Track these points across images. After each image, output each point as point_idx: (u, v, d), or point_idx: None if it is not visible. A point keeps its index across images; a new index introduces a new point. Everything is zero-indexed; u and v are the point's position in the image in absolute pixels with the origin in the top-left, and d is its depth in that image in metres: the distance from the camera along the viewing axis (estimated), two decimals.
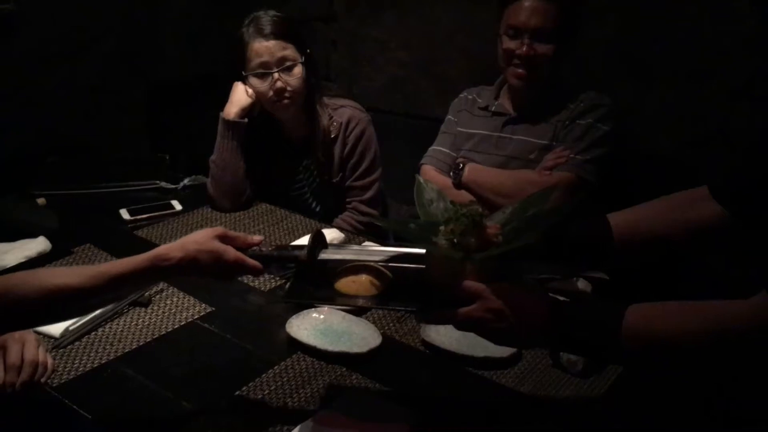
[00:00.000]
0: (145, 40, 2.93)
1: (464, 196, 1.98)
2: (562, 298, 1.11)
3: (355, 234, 1.95)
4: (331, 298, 1.18)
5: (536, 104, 1.97)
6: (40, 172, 2.20)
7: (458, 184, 2.00)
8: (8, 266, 1.63)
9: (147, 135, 3.00)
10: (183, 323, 1.47)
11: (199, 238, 1.14)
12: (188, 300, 1.55)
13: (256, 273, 1.18)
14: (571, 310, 1.04)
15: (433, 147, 2.14)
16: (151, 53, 2.96)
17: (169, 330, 1.44)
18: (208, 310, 1.51)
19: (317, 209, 2.12)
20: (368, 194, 2.09)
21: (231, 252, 1.14)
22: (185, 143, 2.55)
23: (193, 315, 1.50)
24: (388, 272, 1.16)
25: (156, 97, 2.95)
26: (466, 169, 1.99)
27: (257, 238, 1.21)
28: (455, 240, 1.02)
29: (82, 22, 2.71)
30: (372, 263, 1.18)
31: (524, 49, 1.85)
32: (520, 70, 1.90)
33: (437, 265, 1.07)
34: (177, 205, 2.04)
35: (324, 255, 1.24)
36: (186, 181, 2.20)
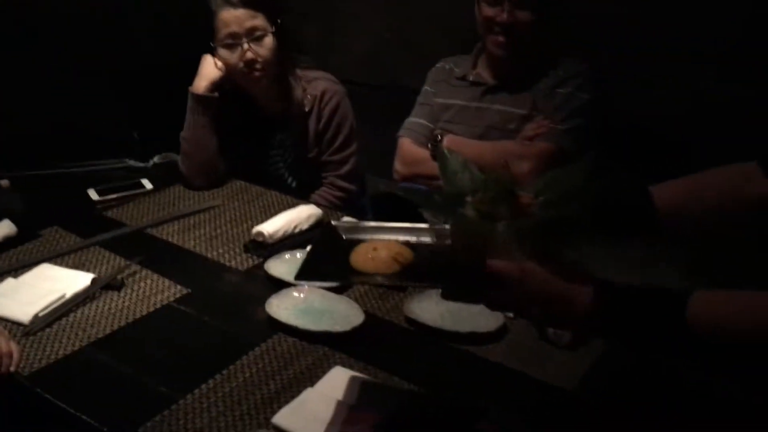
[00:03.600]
0: (113, 17, 2.81)
1: None
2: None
3: (332, 209, 1.90)
4: (347, 276, 1.10)
5: (515, 73, 1.93)
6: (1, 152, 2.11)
7: (436, 157, 1.96)
8: None
9: (116, 112, 2.90)
10: (158, 306, 1.42)
11: None
12: (163, 282, 1.49)
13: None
14: (622, 303, 0.90)
15: (410, 119, 2.10)
16: (120, 29, 2.84)
17: (144, 314, 1.39)
18: (183, 292, 1.46)
19: (293, 185, 2.07)
20: (345, 168, 2.04)
21: None
22: (155, 119, 2.47)
23: (168, 297, 1.44)
24: (408, 249, 1.08)
25: (125, 73, 2.85)
26: (445, 140, 1.96)
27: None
28: (485, 210, 0.93)
29: None
30: (391, 239, 1.09)
31: (504, 16, 1.81)
32: (500, 38, 1.85)
33: (465, 238, 0.96)
34: (147, 184, 1.97)
35: (339, 232, 1.14)
36: (156, 159, 2.14)
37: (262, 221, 1.71)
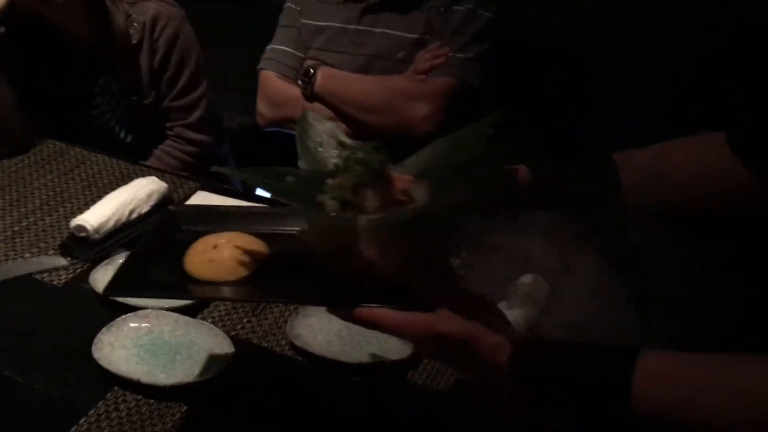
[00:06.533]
0: None
1: (318, 110, 1.57)
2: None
3: (180, 173, 1.49)
4: (178, 288, 0.80)
5: None
6: None
7: (310, 95, 1.58)
8: None
9: None
10: None
11: None
12: None
13: None
14: (550, 360, 0.65)
15: (272, 46, 1.68)
16: None
17: None
18: None
19: (128, 140, 1.62)
20: (195, 115, 1.62)
21: None
22: None
23: None
24: (262, 243, 0.81)
25: None
26: (319, 74, 1.57)
27: None
28: (346, 198, 0.70)
29: None
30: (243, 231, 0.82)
31: None
32: None
33: (322, 234, 0.73)
34: None
35: (177, 220, 0.86)
36: None
37: (84, 204, 1.29)
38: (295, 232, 0.81)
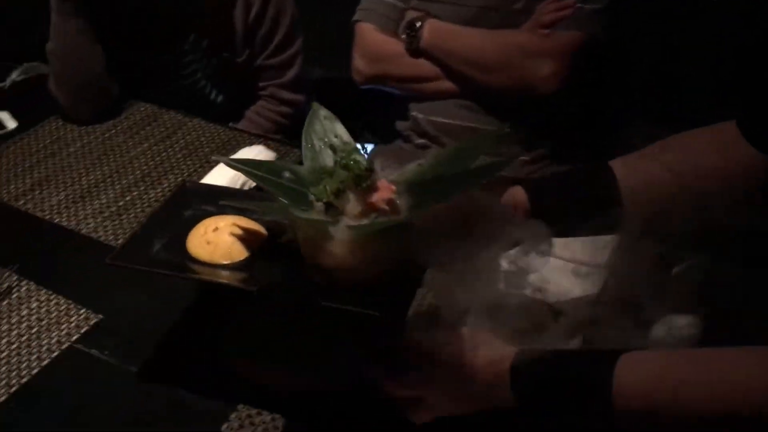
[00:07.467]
0: None
1: (423, 67, 1.44)
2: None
3: (273, 136, 1.40)
4: (176, 265, 0.80)
5: None
6: None
7: (416, 50, 1.44)
8: None
9: None
10: (54, 353, 0.92)
11: None
12: (55, 304, 0.98)
13: None
14: (539, 376, 0.68)
15: None
16: None
17: (32, 372, 0.89)
18: (91, 321, 0.96)
19: (218, 100, 1.52)
20: (290, 74, 1.51)
21: None
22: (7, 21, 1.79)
23: (67, 333, 0.94)
24: (261, 228, 0.81)
25: None
26: (426, 27, 1.43)
27: None
28: (328, 203, 0.71)
29: None
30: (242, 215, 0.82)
31: None
32: None
33: (303, 232, 0.72)
34: (8, 120, 1.37)
35: (190, 197, 0.87)
36: (15, 76, 1.50)
37: (188, 175, 1.21)
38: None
